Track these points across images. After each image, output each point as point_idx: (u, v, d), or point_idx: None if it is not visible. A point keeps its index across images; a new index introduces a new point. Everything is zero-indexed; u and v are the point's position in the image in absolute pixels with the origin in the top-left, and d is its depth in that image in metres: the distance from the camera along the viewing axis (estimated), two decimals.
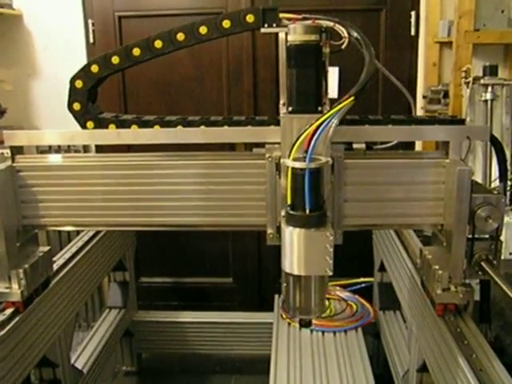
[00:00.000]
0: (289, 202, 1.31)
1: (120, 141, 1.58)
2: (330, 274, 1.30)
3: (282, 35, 1.45)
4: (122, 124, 1.61)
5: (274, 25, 1.47)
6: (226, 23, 1.51)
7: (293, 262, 1.30)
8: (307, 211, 1.28)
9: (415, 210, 1.55)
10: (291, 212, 1.30)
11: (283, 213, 1.36)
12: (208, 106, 3.32)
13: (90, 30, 3.28)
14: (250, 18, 1.49)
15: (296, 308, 1.39)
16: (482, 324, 1.57)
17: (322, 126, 1.29)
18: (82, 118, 1.61)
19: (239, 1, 3.14)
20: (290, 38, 1.41)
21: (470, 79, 2.66)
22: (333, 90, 2.96)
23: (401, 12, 3.14)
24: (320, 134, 1.28)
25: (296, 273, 1.31)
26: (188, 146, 1.55)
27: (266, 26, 1.48)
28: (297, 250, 1.29)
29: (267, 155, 1.52)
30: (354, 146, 1.54)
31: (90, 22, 3.28)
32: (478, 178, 2.58)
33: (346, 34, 1.43)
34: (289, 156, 1.31)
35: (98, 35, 3.29)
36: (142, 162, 1.61)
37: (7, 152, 1.62)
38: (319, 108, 1.44)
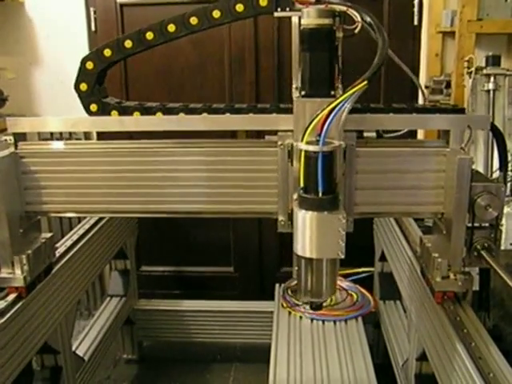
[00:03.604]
0: (301, 185, 1.31)
1: (122, 128, 1.59)
2: (342, 257, 1.30)
3: (295, 19, 1.45)
4: (124, 110, 1.61)
5: (288, 9, 1.47)
6: (240, 7, 1.50)
7: (305, 244, 1.30)
8: (320, 194, 1.28)
9: (417, 198, 1.56)
10: (304, 195, 1.30)
11: (295, 196, 1.36)
12: (210, 94, 3.31)
13: (92, 18, 3.27)
14: (263, 2, 1.49)
15: (307, 291, 1.38)
16: (481, 312, 1.58)
17: (336, 110, 1.29)
18: (86, 100, 1.61)
19: None
20: (303, 21, 1.39)
21: (473, 69, 2.66)
22: None
23: (403, 1, 3.12)
24: (333, 118, 1.28)
25: (308, 256, 1.31)
26: (189, 133, 1.55)
27: (279, 9, 1.48)
28: (309, 233, 1.29)
29: (279, 142, 1.52)
30: (365, 134, 1.55)
31: (91, 9, 3.26)
32: (480, 167, 2.59)
33: (359, 19, 1.42)
34: (302, 139, 1.31)
35: (99, 23, 3.27)
36: (144, 149, 1.62)
37: (10, 138, 1.63)
38: (332, 92, 1.43)
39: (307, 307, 2.43)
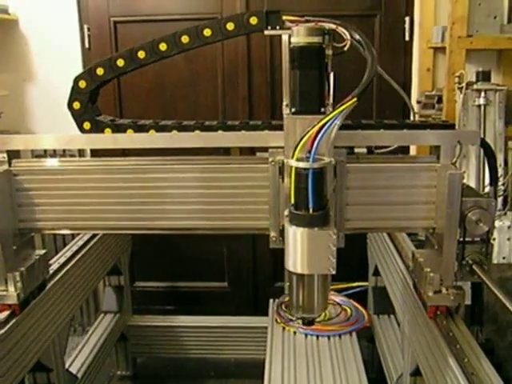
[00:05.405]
0: (292, 201, 1.33)
1: (116, 145, 1.60)
2: (333, 272, 1.32)
3: (285, 37, 1.47)
4: (117, 128, 1.62)
5: (278, 27, 1.50)
6: (230, 25, 1.53)
7: (296, 260, 1.32)
8: (310, 211, 1.29)
9: (408, 213, 1.57)
10: (294, 211, 1.32)
11: (286, 212, 1.38)
12: (203, 110, 3.32)
13: (86, 35, 3.28)
14: (253, 21, 1.52)
15: (299, 306, 1.40)
16: (474, 326, 1.59)
17: (325, 126, 1.30)
18: (79, 118, 1.63)
19: (234, 6, 3.16)
20: (293, 39, 1.41)
21: (464, 84, 2.68)
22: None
23: (395, 17, 3.16)
24: (323, 135, 1.30)
25: (299, 271, 1.33)
26: (182, 151, 1.56)
27: (269, 28, 1.50)
28: (300, 249, 1.30)
29: (270, 159, 1.53)
30: (356, 150, 1.56)
31: (85, 26, 3.28)
32: (472, 182, 2.60)
33: (349, 37, 1.45)
34: (292, 156, 1.32)
35: (93, 40, 3.29)
36: (138, 166, 1.62)
37: (4, 156, 1.63)
38: (322, 109, 1.44)
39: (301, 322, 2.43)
